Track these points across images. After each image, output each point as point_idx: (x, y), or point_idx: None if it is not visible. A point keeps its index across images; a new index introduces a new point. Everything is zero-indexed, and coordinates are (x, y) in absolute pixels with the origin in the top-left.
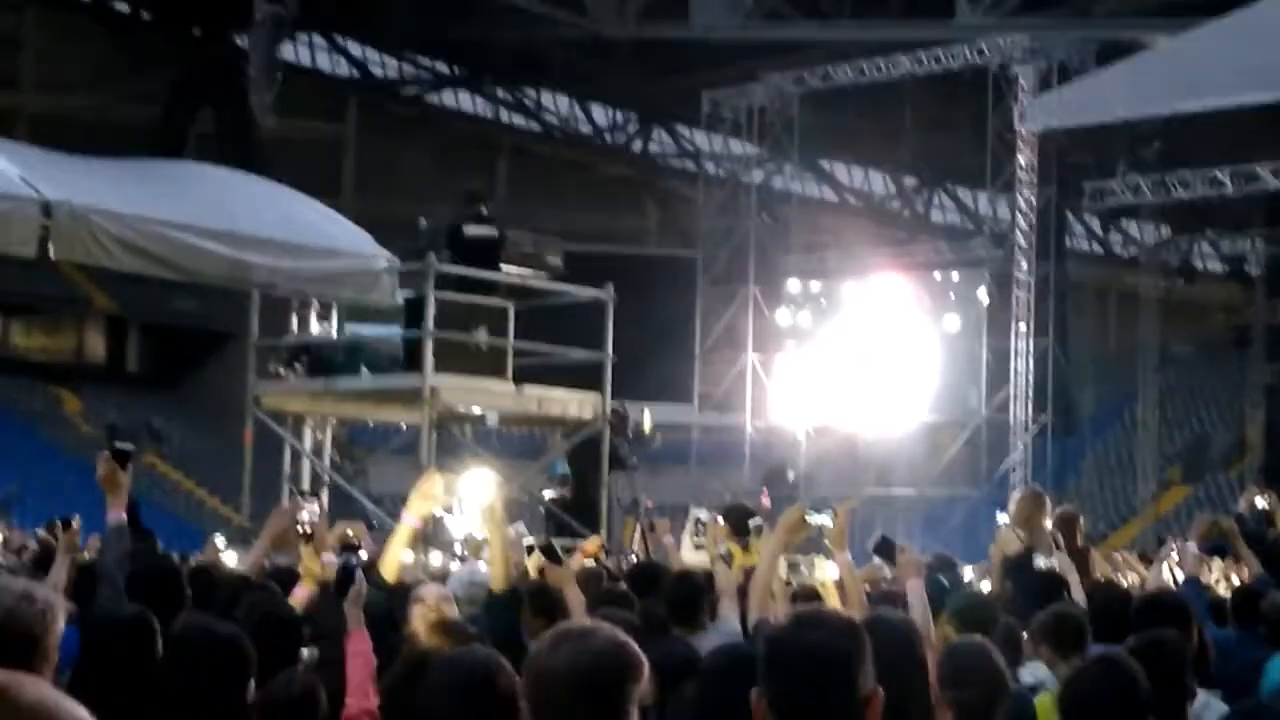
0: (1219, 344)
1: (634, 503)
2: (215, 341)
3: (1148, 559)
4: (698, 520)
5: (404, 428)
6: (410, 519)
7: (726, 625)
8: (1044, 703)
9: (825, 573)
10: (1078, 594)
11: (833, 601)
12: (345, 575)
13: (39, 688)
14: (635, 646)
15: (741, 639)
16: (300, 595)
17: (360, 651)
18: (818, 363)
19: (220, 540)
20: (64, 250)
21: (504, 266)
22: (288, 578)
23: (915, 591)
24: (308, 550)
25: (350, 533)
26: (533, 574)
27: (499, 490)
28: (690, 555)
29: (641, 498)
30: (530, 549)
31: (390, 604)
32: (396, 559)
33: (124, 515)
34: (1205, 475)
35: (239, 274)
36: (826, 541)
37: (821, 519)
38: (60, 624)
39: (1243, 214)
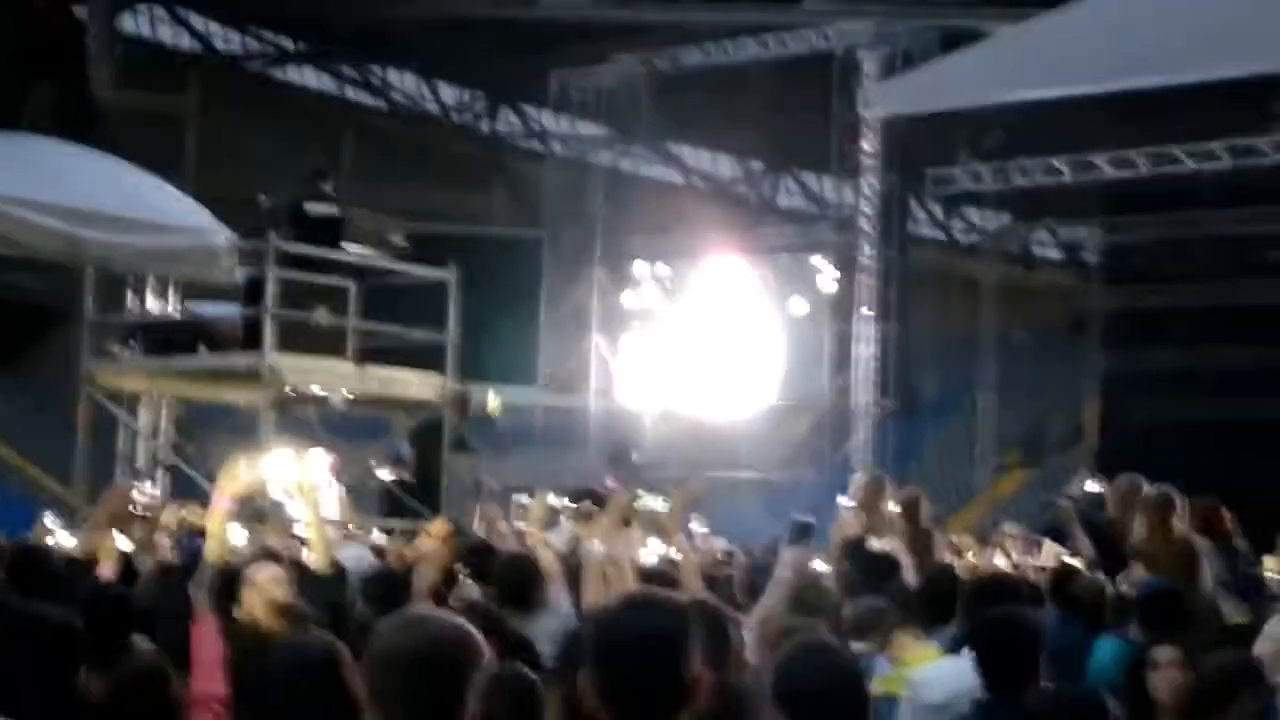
0: (1057, 330)
1: (476, 484)
2: (50, 318)
3: (984, 541)
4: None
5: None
6: (220, 500)
7: (558, 608)
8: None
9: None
10: (910, 576)
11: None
12: (191, 558)
13: None
14: (475, 631)
15: (574, 622)
16: (103, 573)
17: (207, 634)
18: (663, 345)
19: (51, 520)
20: None
21: (346, 245)
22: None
23: (783, 583)
24: (102, 530)
25: (188, 515)
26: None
27: (310, 467)
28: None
29: (484, 479)
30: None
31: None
32: (215, 540)
33: None
34: (1043, 459)
35: (74, 249)
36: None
37: (654, 503)
38: None
39: (1081, 202)
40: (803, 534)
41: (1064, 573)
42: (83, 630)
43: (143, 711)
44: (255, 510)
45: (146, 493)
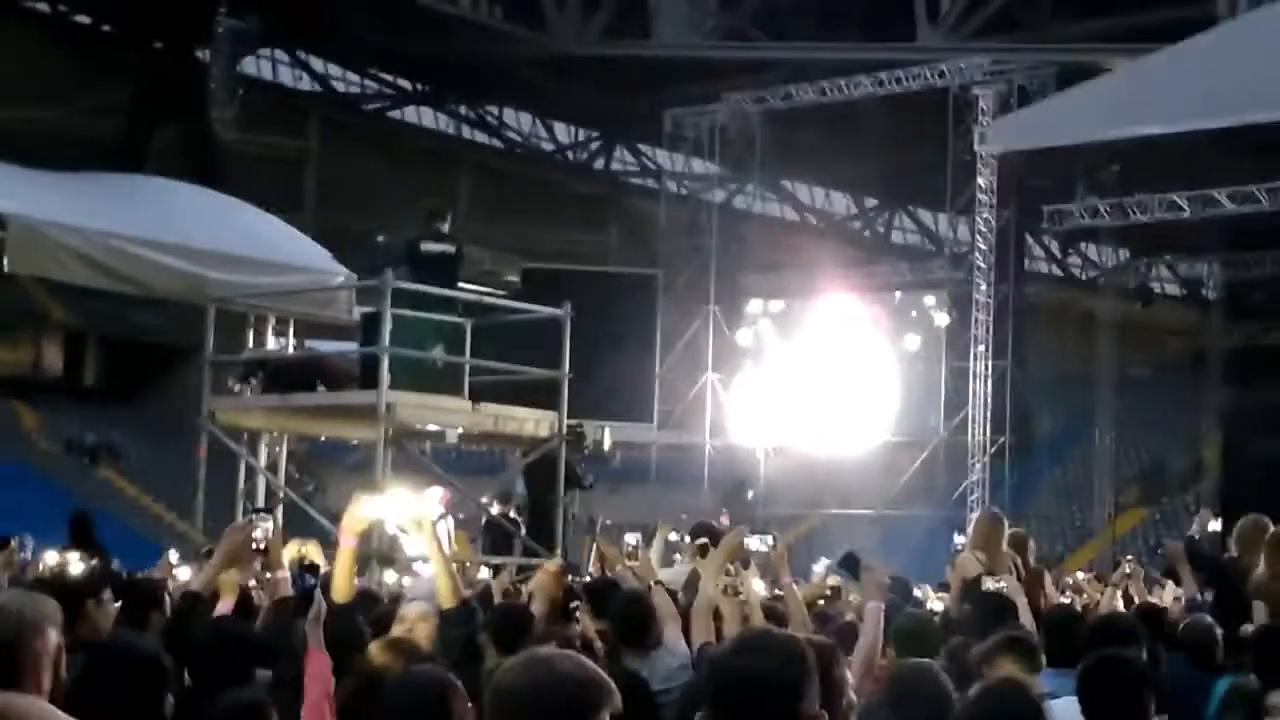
0: (1176, 367)
1: (590, 522)
2: (172, 356)
3: (1104, 580)
4: (641, 541)
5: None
6: (346, 539)
7: (675, 647)
8: None
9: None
10: (1025, 617)
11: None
12: (305, 595)
13: (27, 704)
14: (603, 674)
15: (689, 661)
16: (222, 609)
17: (318, 673)
18: (777, 382)
19: (174, 556)
20: (22, 264)
21: (462, 284)
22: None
23: (872, 614)
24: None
25: (305, 550)
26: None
27: (428, 504)
28: (665, 573)
29: (599, 517)
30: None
31: (341, 625)
32: (343, 580)
33: None
34: (1162, 497)
35: (195, 288)
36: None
37: (763, 544)
38: (49, 635)
39: (1200, 238)
40: (853, 564)
41: (1150, 612)
42: (169, 661)
43: None
44: (378, 549)
45: (265, 529)
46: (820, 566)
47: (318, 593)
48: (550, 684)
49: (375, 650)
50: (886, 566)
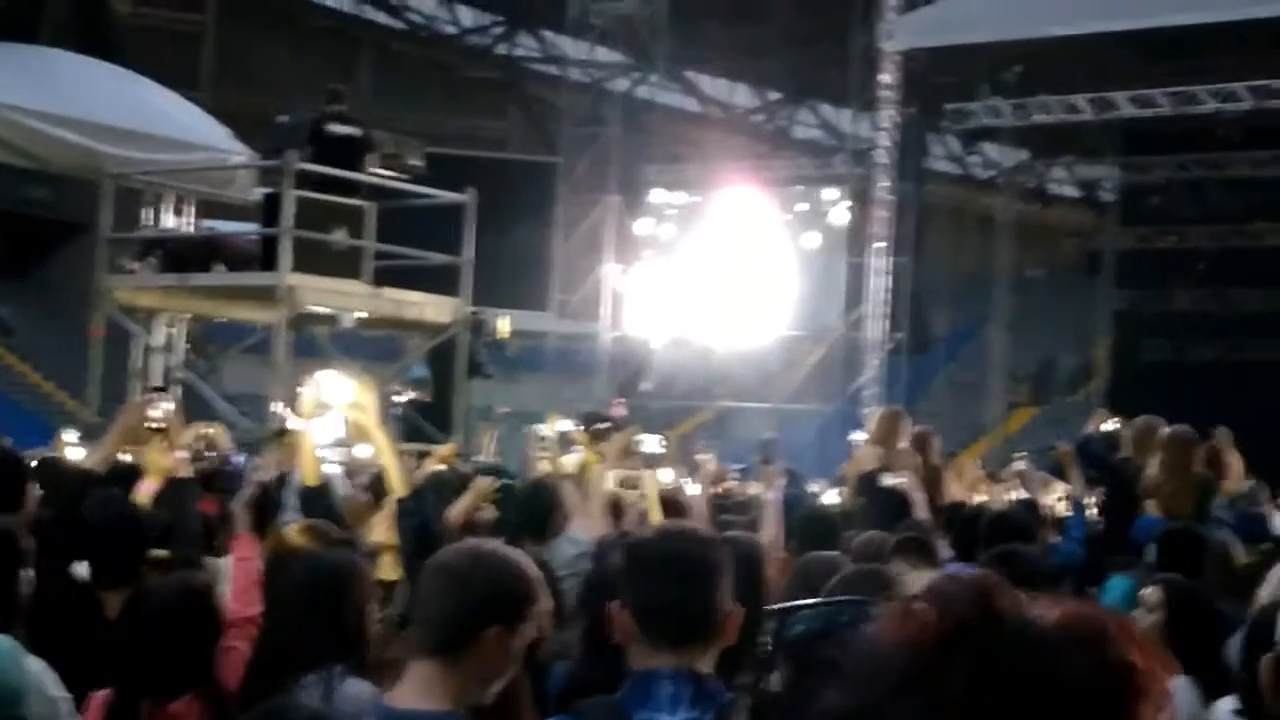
0: (1071, 268)
1: (488, 409)
2: (67, 232)
3: (996, 478)
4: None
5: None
6: (299, 423)
7: (574, 536)
8: None
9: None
10: (921, 512)
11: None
12: (233, 475)
13: None
14: (538, 572)
15: (588, 550)
16: (145, 490)
17: (245, 557)
18: (677, 274)
19: (69, 435)
20: None
21: (366, 167)
22: (129, 475)
23: (772, 505)
24: (158, 445)
25: (210, 431)
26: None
27: (365, 392)
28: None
29: (495, 405)
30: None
31: (317, 508)
32: (310, 464)
33: None
34: (1053, 397)
35: (92, 163)
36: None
37: (652, 443)
38: None
39: (1099, 140)
40: (769, 449)
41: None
42: (28, 540)
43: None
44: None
45: (162, 408)
46: (706, 456)
47: (250, 474)
48: (491, 562)
49: (294, 531)
50: (782, 459)
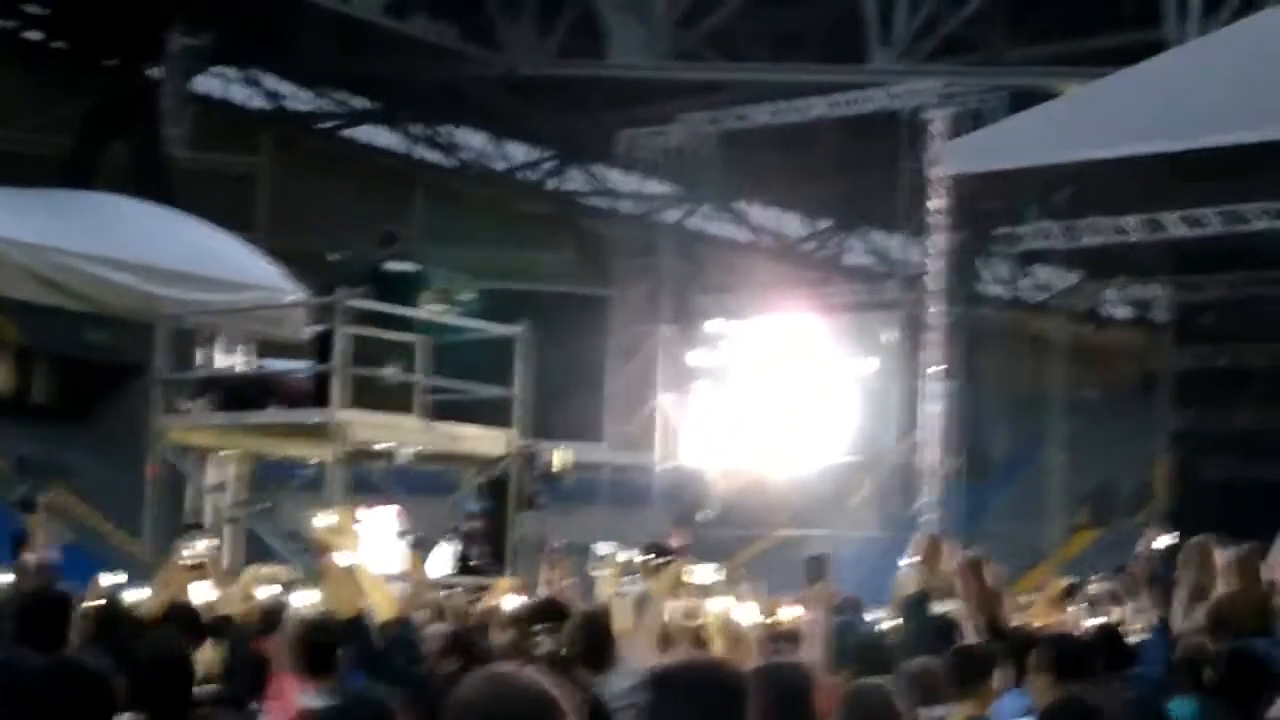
0: (1127, 389)
1: (541, 542)
2: (124, 373)
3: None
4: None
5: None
6: (349, 558)
7: (628, 667)
8: None
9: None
10: (972, 638)
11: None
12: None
13: None
14: (563, 692)
15: (641, 682)
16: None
17: (289, 694)
18: (731, 403)
19: (108, 578)
20: None
21: (421, 303)
22: (186, 616)
23: (813, 625)
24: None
25: (267, 572)
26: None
27: (347, 519)
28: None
29: (549, 537)
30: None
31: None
32: (383, 598)
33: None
34: (1113, 519)
35: (148, 305)
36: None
37: (706, 574)
38: None
39: (1150, 261)
40: (818, 569)
41: (1111, 634)
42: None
43: None
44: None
45: (204, 547)
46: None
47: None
48: (511, 697)
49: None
50: (838, 586)
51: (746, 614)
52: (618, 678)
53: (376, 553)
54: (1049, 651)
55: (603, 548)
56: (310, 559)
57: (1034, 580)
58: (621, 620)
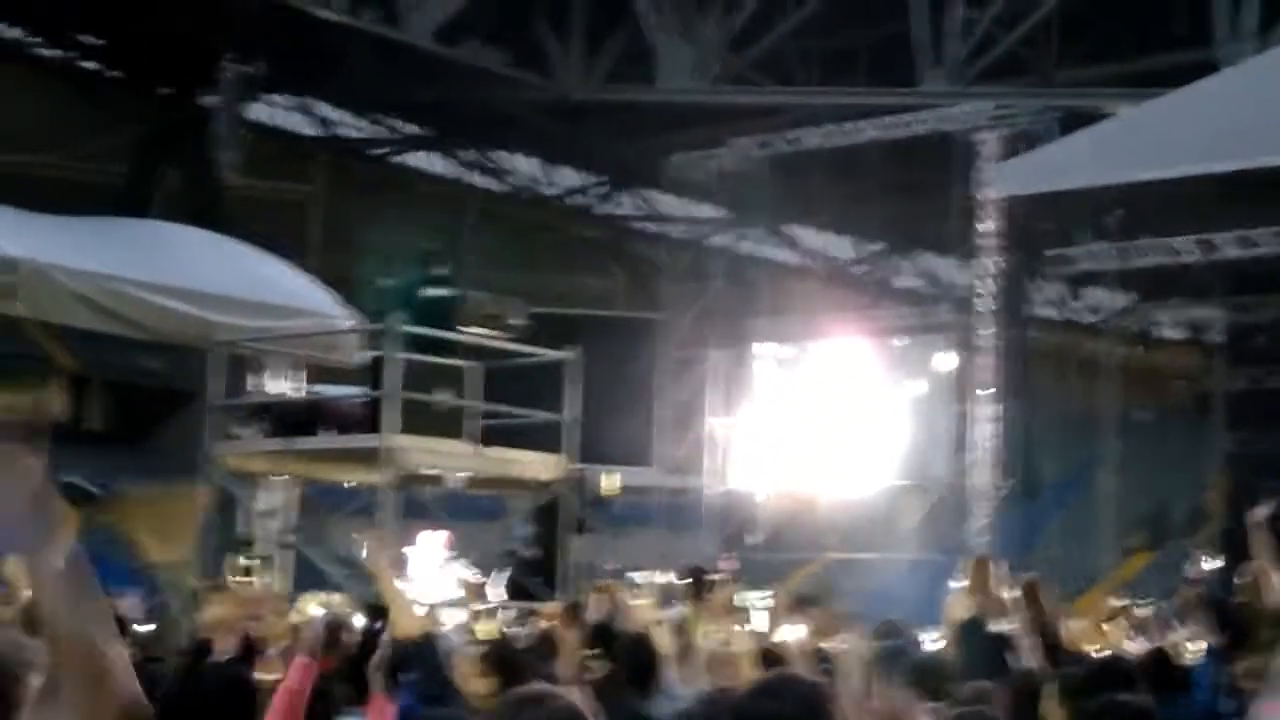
0: (1180, 411)
1: (591, 566)
2: (177, 400)
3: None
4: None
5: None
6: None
7: (673, 691)
8: None
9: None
10: (1029, 659)
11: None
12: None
13: None
14: (588, 714)
15: (686, 707)
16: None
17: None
18: (781, 426)
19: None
20: (28, 307)
21: (460, 328)
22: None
23: (848, 651)
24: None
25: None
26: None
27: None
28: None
29: (601, 561)
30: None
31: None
32: (409, 617)
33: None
34: (1167, 541)
35: (201, 332)
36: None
37: (754, 600)
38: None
39: (1203, 282)
40: (816, 593)
41: (1161, 658)
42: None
43: None
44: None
45: (243, 571)
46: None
47: (384, 637)
48: (545, 717)
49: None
50: (892, 612)
51: (789, 636)
52: (664, 702)
53: (428, 577)
54: (1099, 676)
55: (639, 576)
56: (361, 583)
57: (1088, 603)
58: (662, 645)
